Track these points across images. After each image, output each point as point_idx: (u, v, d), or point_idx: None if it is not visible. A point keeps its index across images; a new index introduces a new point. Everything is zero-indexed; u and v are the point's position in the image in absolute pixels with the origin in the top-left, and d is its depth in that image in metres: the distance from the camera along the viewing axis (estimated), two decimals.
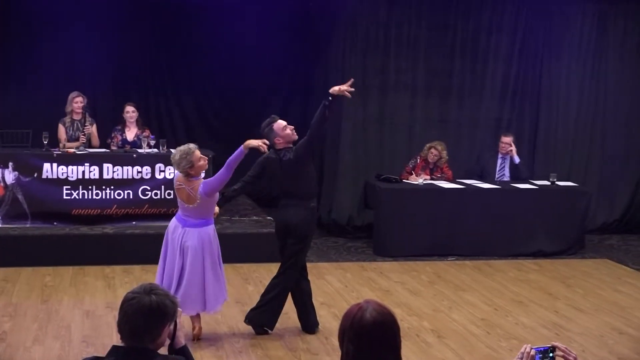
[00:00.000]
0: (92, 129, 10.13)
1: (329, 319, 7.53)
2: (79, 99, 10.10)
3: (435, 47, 11.50)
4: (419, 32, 11.43)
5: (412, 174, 10.66)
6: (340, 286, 8.81)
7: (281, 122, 7.23)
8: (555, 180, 10.87)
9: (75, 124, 10.10)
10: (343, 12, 11.38)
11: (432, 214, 10.26)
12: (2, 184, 9.46)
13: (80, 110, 10.10)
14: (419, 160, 10.79)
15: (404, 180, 10.56)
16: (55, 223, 9.57)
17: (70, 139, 10.06)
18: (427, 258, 10.14)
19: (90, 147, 10.09)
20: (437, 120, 11.60)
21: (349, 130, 11.32)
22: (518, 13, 11.63)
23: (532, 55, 11.78)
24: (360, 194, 11.06)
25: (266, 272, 9.13)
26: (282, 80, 12.95)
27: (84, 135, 9.97)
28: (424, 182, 10.45)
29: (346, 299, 8.16)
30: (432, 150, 10.69)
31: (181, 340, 3.44)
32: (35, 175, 9.53)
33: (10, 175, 9.46)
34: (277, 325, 7.29)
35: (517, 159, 11.04)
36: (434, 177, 10.71)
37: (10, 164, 9.46)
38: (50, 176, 9.56)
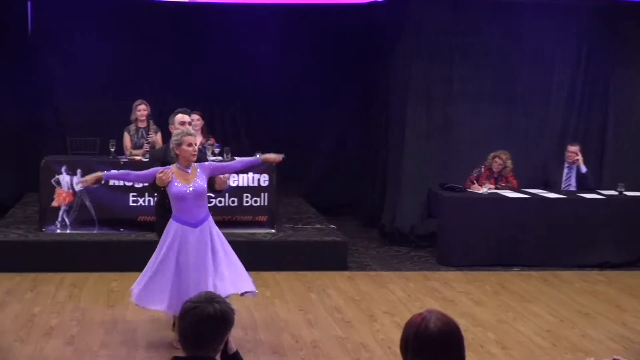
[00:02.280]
0: (157, 137, 10.25)
1: (392, 328, 7.50)
2: (143, 107, 10.25)
3: (500, 56, 11.40)
4: (484, 41, 11.34)
5: (476, 183, 10.57)
6: (403, 295, 8.77)
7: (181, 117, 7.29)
8: (623, 190, 10.66)
9: (140, 132, 10.24)
10: (407, 21, 11.35)
11: (497, 224, 10.15)
12: (71, 191, 9.65)
13: (144, 118, 10.24)
14: (483, 169, 10.69)
15: (468, 190, 10.48)
16: (121, 229, 9.73)
17: (135, 146, 10.20)
18: (492, 268, 10.03)
19: None
20: (502, 129, 11.49)
21: (412, 139, 11.27)
22: (585, 20, 11.45)
23: (600, 62, 11.60)
24: (424, 203, 11.00)
25: (329, 281, 9.15)
26: (343, 89, 12.97)
27: (148, 143, 10.11)
28: (489, 191, 10.35)
29: (409, 309, 8.11)
30: (497, 159, 10.59)
31: (232, 345, 3.46)
32: (103, 182, 9.69)
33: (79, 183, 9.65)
34: (340, 333, 7.31)
35: (583, 169, 10.86)
36: (498, 186, 10.60)
37: (79, 171, 9.64)
38: (117, 183, 9.72)
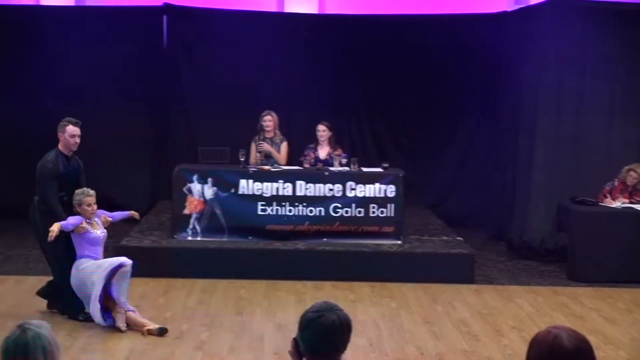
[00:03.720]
0: (283, 146, 10.38)
1: (519, 344, 7.34)
2: (269, 117, 10.40)
3: (634, 66, 11.02)
4: (615, 51, 10.99)
5: (609, 197, 10.24)
6: (531, 310, 8.58)
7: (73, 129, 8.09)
8: None
9: (266, 142, 10.40)
10: (537, 31, 11.13)
11: (631, 239, 9.80)
12: (202, 199, 9.90)
13: (270, 129, 10.39)
14: (617, 182, 10.35)
15: (600, 204, 10.17)
16: (250, 237, 9.90)
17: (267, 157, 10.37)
18: (625, 285, 9.70)
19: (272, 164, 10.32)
20: (636, 142, 11.10)
21: (542, 151, 11.03)
22: None
23: None
24: (554, 217, 10.74)
25: (455, 293, 9.05)
26: (471, 99, 12.84)
27: (260, 152, 10.22)
28: (623, 205, 10.02)
29: (537, 324, 7.93)
30: (631, 172, 10.24)
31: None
32: (233, 191, 9.91)
33: (209, 191, 9.89)
34: (465, 347, 7.22)
35: None
36: (633, 200, 10.24)
37: (210, 179, 9.89)
38: (246, 192, 9.90)
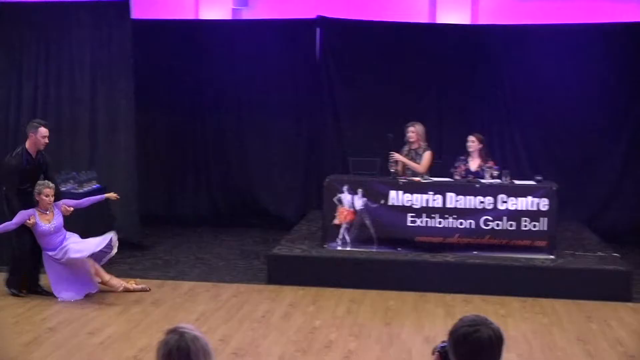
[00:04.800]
0: (426, 156, 10.30)
1: None
2: (412, 128, 10.36)
3: None
4: None
5: None
6: None
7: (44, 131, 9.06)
8: None
9: (412, 153, 10.37)
10: None
11: None
12: (352, 209, 9.98)
13: (414, 139, 10.35)
14: None
15: None
16: (399, 249, 9.89)
17: (407, 167, 10.35)
18: None
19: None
20: None
21: None
22: None
23: None
24: None
25: (611, 311, 8.74)
26: (627, 111, 12.38)
27: (392, 162, 10.16)
28: None
29: None
30: None
31: None
32: (382, 202, 9.93)
33: (359, 201, 9.96)
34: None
35: None
36: None
37: (360, 190, 9.96)
38: (396, 203, 9.91)
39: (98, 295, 8.99)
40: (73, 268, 8.83)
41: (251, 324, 8.07)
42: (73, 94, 11.32)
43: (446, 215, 9.82)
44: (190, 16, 13.34)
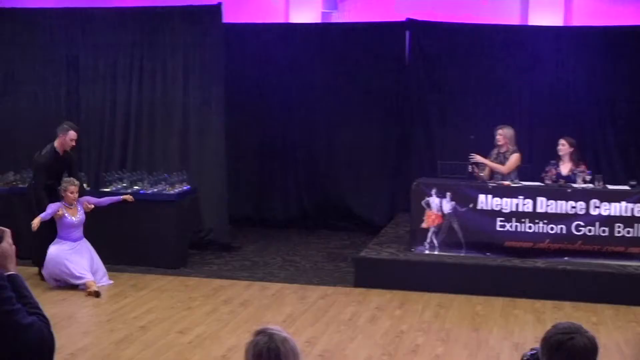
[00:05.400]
0: (513, 157, 10.13)
1: None
2: (500, 131, 10.21)
3: None
4: None
5: None
6: None
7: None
8: None
9: (500, 157, 10.23)
10: None
11: None
12: (440, 213, 9.91)
13: (502, 142, 10.19)
14: None
15: None
16: (488, 253, 9.78)
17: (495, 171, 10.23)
18: None
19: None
20: None
21: None
22: None
23: None
24: None
25: None
26: None
27: (472, 165, 10.02)
28: None
29: None
30: None
31: None
32: (471, 205, 9.84)
33: (447, 205, 9.88)
34: None
35: None
36: None
37: (448, 194, 9.88)
38: (484, 207, 9.79)
39: (187, 295, 9.14)
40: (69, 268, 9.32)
41: (338, 327, 8.09)
42: (165, 97, 11.57)
43: (536, 220, 9.66)
44: (280, 20, 13.45)
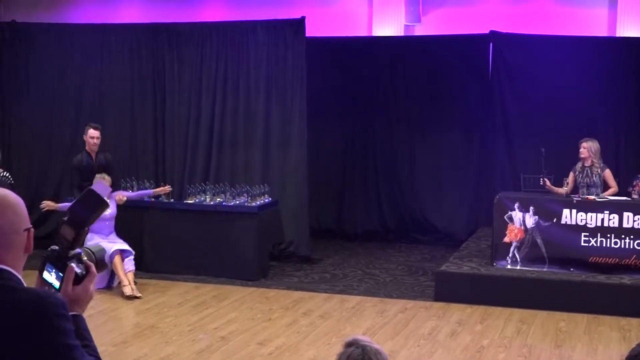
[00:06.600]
0: (605, 175, 9.93)
1: None
2: (584, 144, 9.99)
3: None
4: None
5: None
6: None
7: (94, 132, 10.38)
8: None
9: (585, 170, 10.02)
10: None
11: None
12: (523, 227, 9.77)
13: (586, 156, 9.97)
14: None
15: None
16: (572, 269, 9.60)
17: (579, 186, 10.02)
18: None
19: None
20: None
21: None
22: None
23: None
24: None
25: None
26: None
27: (544, 177, 9.81)
28: None
29: None
30: None
31: None
32: (555, 220, 9.67)
33: (530, 219, 9.74)
34: None
35: None
36: None
37: (531, 208, 9.73)
38: (569, 222, 9.62)
39: (267, 307, 9.21)
40: None
41: (417, 341, 8.04)
42: (248, 110, 11.72)
43: (623, 236, 9.44)
44: (363, 33, 13.49)
